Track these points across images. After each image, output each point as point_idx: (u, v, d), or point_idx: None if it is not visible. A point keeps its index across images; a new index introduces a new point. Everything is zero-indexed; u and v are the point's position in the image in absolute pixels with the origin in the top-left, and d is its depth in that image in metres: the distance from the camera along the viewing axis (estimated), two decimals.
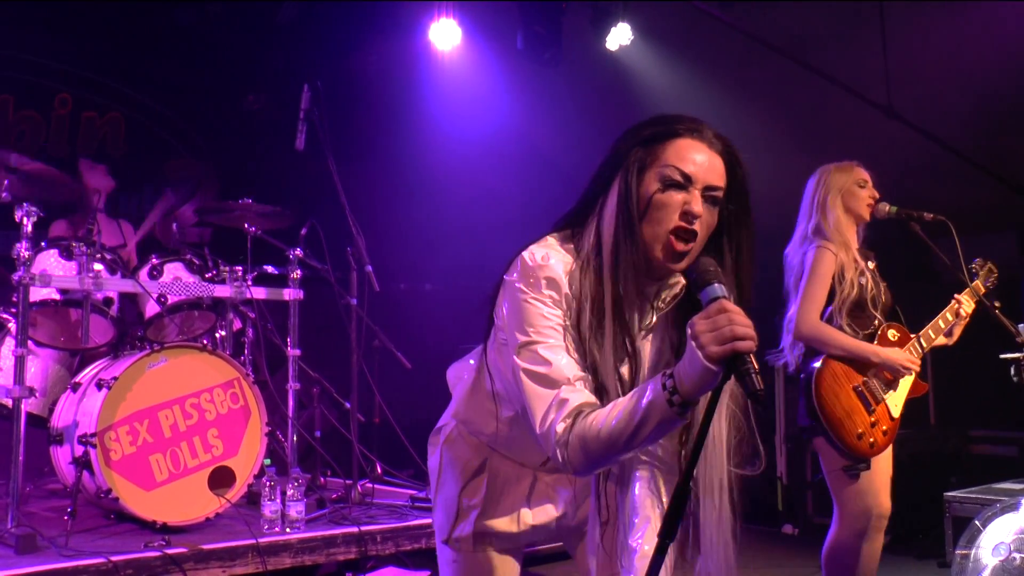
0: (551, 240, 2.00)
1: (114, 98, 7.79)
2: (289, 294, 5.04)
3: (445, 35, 7.16)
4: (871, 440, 3.66)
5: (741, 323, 1.67)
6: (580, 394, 1.83)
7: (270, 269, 5.29)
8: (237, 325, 5.33)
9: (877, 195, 3.87)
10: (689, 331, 1.71)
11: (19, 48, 7.27)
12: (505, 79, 7.70)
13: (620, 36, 7.43)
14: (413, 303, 7.56)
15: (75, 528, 4.23)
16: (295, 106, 5.25)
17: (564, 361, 1.86)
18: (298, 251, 5.10)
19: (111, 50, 7.57)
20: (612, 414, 1.77)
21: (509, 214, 7.23)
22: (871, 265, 3.81)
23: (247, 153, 7.91)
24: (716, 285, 1.76)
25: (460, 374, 2.39)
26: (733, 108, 6.78)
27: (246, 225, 5.32)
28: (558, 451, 1.81)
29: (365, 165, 7.52)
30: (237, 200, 5.31)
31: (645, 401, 1.73)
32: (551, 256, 1.94)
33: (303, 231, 5.36)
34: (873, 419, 3.68)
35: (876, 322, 3.75)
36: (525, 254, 1.95)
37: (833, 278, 3.70)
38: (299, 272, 5.10)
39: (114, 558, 3.82)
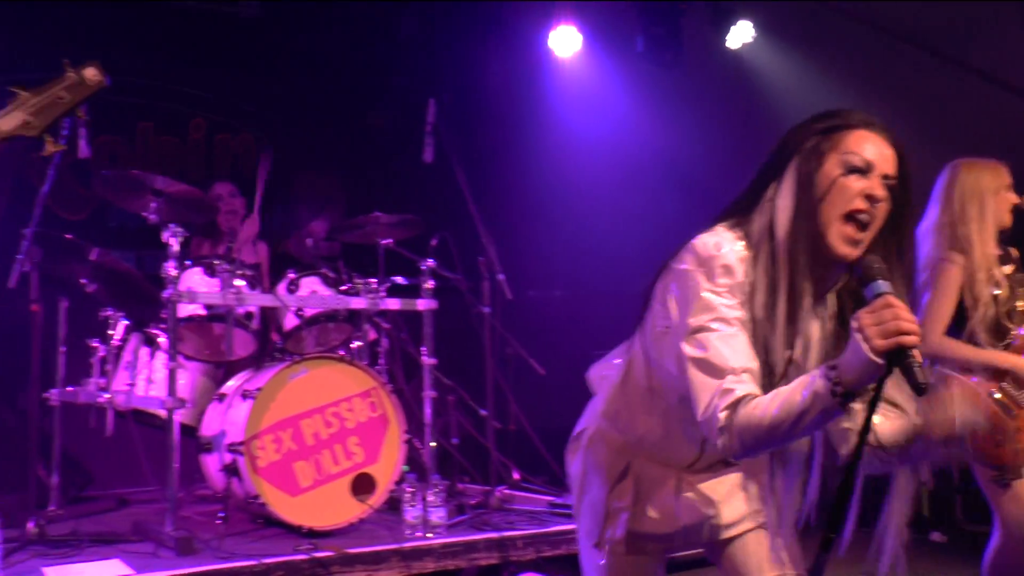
0: (721, 229, 2.02)
1: (244, 120, 8.08)
2: (423, 304, 5.13)
3: (565, 41, 7.19)
4: (1016, 447, 3.48)
5: (905, 318, 1.71)
6: (745, 385, 1.86)
7: (401, 280, 5.39)
8: (371, 336, 5.45)
9: (1019, 199, 3.63)
10: (854, 324, 1.75)
11: (156, 77, 7.60)
12: (626, 83, 7.67)
13: (742, 34, 7.33)
14: (544, 310, 7.59)
15: (227, 531, 4.40)
16: (418, 119, 5.36)
17: (732, 351, 1.89)
18: (430, 262, 5.19)
19: (241, 74, 7.86)
20: (774, 403, 1.80)
21: (634, 217, 7.20)
22: (1007, 269, 3.60)
23: (373, 167, 8.10)
24: (880, 281, 1.81)
25: (605, 373, 2.39)
26: (862, 101, 6.59)
27: (378, 238, 5.45)
28: (720, 437, 1.86)
29: (491, 174, 7.60)
30: (368, 213, 5.44)
31: (809, 391, 1.76)
32: (724, 244, 1.97)
33: (433, 242, 5.45)
34: (1017, 424, 3.49)
35: (1012, 332, 3.55)
36: (697, 242, 1.99)
37: (962, 290, 3.53)
38: (431, 282, 5.18)
39: (266, 560, 3.96)
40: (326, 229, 6.47)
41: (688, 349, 1.91)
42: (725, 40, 7.35)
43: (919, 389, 1.70)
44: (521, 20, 7.57)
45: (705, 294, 1.92)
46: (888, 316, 1.70)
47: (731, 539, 2.23)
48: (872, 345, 1.69)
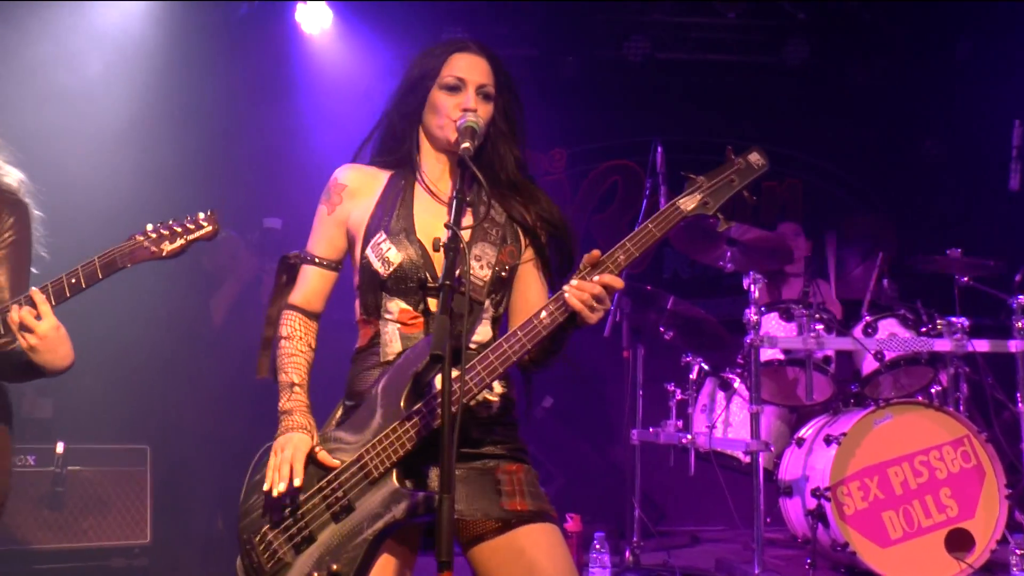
0: None
1: (791, 166, 8.11)
2: (1015, 346, 4.72)
3: None
4: None
5: None
6: None
7: (984, 320, 5.03)
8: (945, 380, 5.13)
9: None
10: None
11: (697, 131, 7.87)
12: None
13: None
14: None
15: None
16: (970, 146, 4.99)
17: None
18: (1021, 299, 4.77)
19: (784, 121, 7.91)
20: None
21: None
22: None
23: (926, 201, 7.68)
24: None
25: None
26: None
27: (953, 274, 5.16)
28: None
29: None
30: (943, 251, 5.18)
31: None
32: None
33: (1017, 277, 5.02)
34: None
35: None
36: None
37: None
38: (1023, 322, 4.75)
39: None
40: (877, 270, 6.25)
41: None
42: None
43: None
44: None
45: None
46: None
47: None
48: None
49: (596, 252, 2.31)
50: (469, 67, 2.51)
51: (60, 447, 4.85)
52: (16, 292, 2.61)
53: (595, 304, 2.27)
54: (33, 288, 2.43)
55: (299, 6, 6.25)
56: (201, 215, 2.53)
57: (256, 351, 5.51)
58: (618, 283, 2.29)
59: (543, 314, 2.30)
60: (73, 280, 2.43)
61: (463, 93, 2.48)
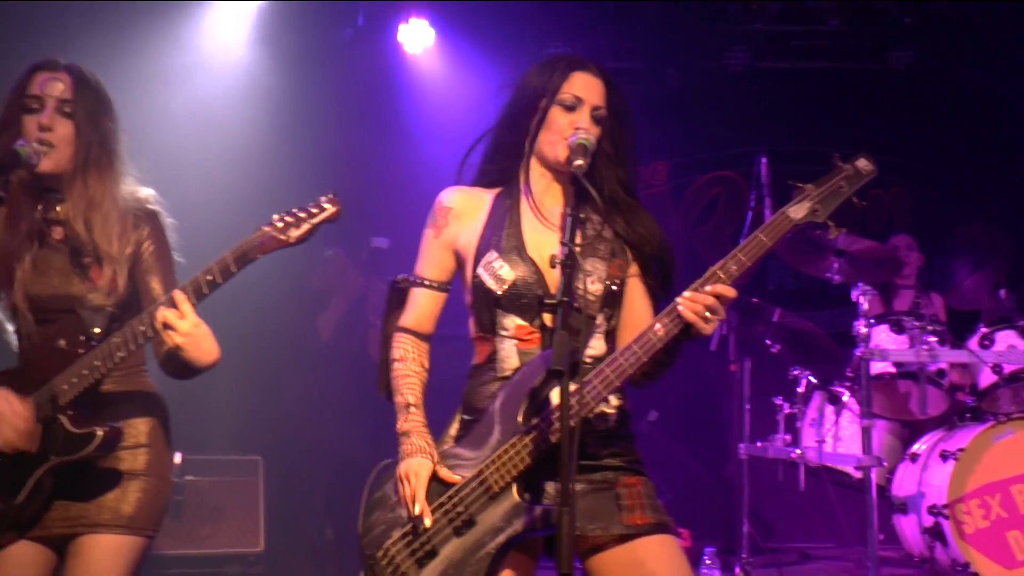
0: None
1: (898, 173, 7.91)
2: None
3: None
4: None
5: None
6: None
7: None
8: None
9: None
10: None
11: (801, 139, 7.74)
12: None
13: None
14: None
15: None
16: None
17: None
18: None
19: (889, 127, 7.72)
20: None
21: None
22: None
23: None
24: None
25: None
26: None
27: None
28: None
29: None
30: None
31: None
32: None
33: None
34: None
35: None
36: None
37: None
38: None
39: None
40: (992, 279, 6.05)
41: None
42: None
43: None
44: None
45: None
46: None
47: None
48: None
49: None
50: (587, 87, 2.53)
51: (178, 457, 5.01)
52: (169, 291, 2.70)
53: (708, 315, 2.28)
54: (175, 290, 2.52)
55: (401, 26, 6.37)
56: (323, 198, 2.57)
57: (362, 367, 5.63)
58: (730, 292, 2.30)
59: (657, 326, 2.31)
60: (209, 277, 2.52)
61: (578, 112, 2.51)
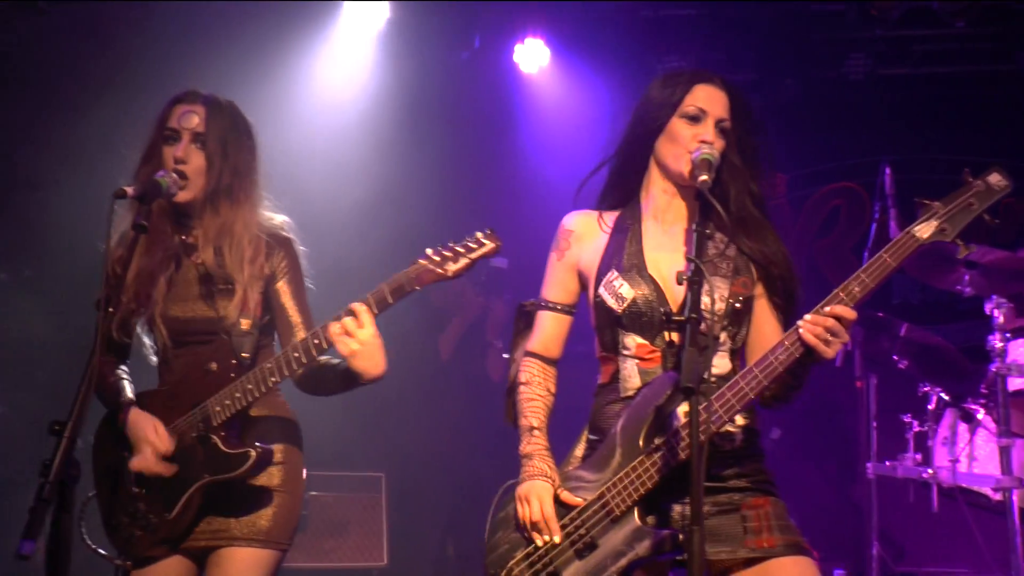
0: None
1: None
2: None
3: None
4: None
5: None
6: None
7: None
8: None
9: None
10: None
11: (934, 149, 7.50)
12: None
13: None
14: None
15: None
16: None
17: None
18: None
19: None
20: None
21: None
22: None
23: None
24: None
25: None
26: None
27: None
28: None
29: None
30: None
31: None
32: None
33: None
34: None
35: None
36: None
37: None
38: None
39: None
40: None
41: None
42: None
43: None
44: None
45: None
46: None
47: None
48: None
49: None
50: (711, 99, 2.51)
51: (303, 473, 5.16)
52: (305, 316, 2.85)
53: (829, 338, 2.24)
54: (355, 302, 2.59)
55: (517, 47, 6.43)
56: (479, 234, 2.60)
57: (481, 386, 5.68)
58: (850, 314, 2.25)
59: (779, 350, 2.28)
60: (364, 307, 2.59)
61: (702, 124, 2.49)
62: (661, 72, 2.92)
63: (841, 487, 6.61)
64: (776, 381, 2.30)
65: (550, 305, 2.66)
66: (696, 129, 2.48)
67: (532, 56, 6.46)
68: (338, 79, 6.11)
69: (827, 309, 2.25)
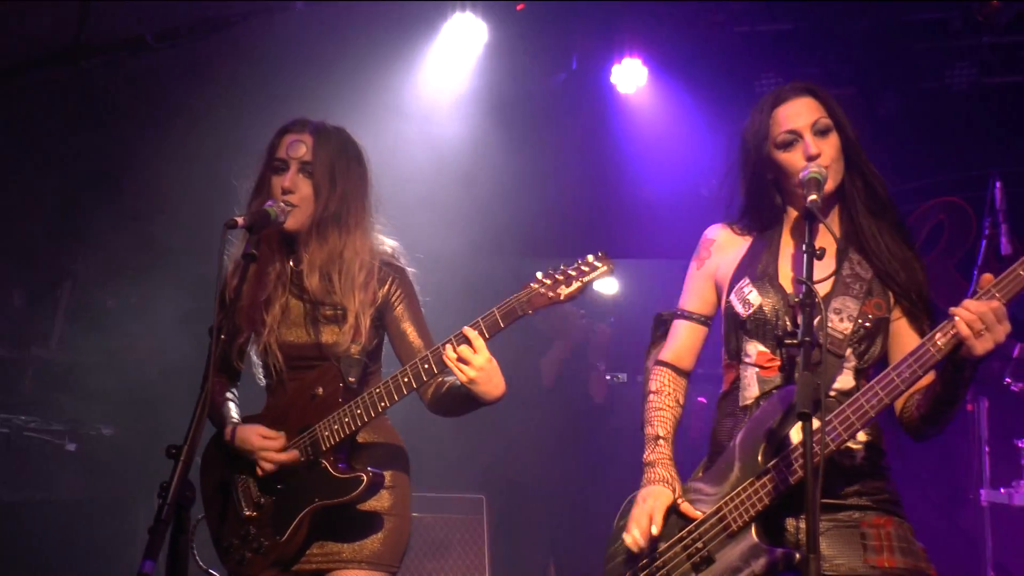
0: None
1: None
2: None
3: None
4: None
5: None
6: None
7: None
8: None
9: None
10: None
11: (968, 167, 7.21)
12: None
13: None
14: None
15: None
16: None
17: None
18: None
19: None
20: None
21: None
22: None
23: None
24: None
25: None
26: None
27: None
28: None
29: None
30: None
31: None
32: None
33: None
34: None
35: None
36: None
37: None
38: None
39: None
40: None
41: None
42: None
43: None
44: None
45: None
46: None
47: None
48: None
49: (988, 275, 2.18)
50: (793, 115, 2.48)
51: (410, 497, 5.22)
52: (425, 339, 2.88)
53: (982, 328, 2.11)
54: (465, 327, 2.62)
55: (614, 67, 6.43)
56: (591, 257, 2.59)
57: (583, 409, 5.63)
58: (1002, 308, 2.12)
59: (902, 367, 2.22)
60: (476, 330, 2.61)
61: (801, 143, 2.45)
62: (756, 93, 2.89)
63: (948, 514, 6.38)
64: (896, 397, 2.21)
65: (686, 314, 2.66)
66: (795, 153, 2.46)
67: (629, 76, 6.45)
68: (438, 97, 6.19)
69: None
